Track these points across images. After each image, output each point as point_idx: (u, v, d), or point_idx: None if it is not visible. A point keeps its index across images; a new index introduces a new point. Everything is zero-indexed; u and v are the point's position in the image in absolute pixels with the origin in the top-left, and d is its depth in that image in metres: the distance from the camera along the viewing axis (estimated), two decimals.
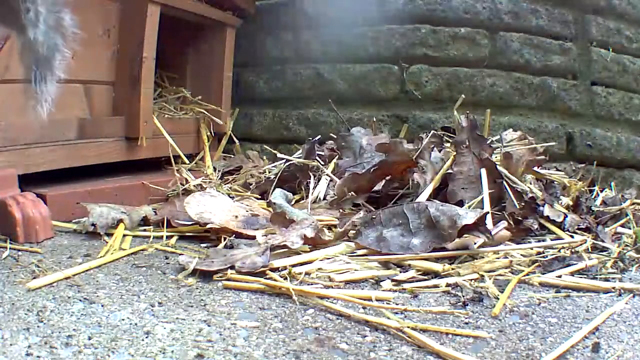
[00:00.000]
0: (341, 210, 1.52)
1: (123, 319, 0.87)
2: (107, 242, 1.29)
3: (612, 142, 2.20)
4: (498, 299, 1.01)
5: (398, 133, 2.12)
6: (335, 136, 1.90)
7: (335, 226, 1.39)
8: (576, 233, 1.41)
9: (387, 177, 1.59)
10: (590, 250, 1.31)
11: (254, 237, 1.29)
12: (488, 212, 1.27)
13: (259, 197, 1.70)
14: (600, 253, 1.31)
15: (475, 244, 1.22)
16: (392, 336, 0.86)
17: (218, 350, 0.78)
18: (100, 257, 1.18)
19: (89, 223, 1.34)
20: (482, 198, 1.39)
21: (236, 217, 1.39)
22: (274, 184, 1.70)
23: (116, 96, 1.70)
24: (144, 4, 1.65)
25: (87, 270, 1.10)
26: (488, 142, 1.54)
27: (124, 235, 1.35)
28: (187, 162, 1.94)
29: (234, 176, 1.95)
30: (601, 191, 1.90)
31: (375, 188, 1.60)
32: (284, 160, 1.81)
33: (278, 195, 1.53)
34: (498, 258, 1.20)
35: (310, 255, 1.17)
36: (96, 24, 1.61)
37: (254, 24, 2.28)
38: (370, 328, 0.89)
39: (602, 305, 1.02)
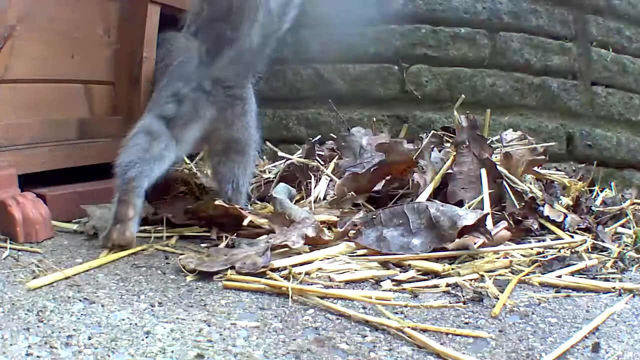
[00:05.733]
0: (341, 210, 1.52)
1: (123, 319, 0.87)
2: None
3: (612, 142, 2.20)
4: (498, 299, 1.01)
5: (398, 133, 2.12)
6: (335, 136, 1.90)
7: (335, 226, 1.39)
8: (576, 233, 1.41)
9: (387, 177, 1.59)
10: (590, 250, 1.31)
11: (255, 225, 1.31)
12: (488, 214, 1.27)
13: (259, 200, 1.69)
14: (600, 253, 1.31)
15: (475, 244, 1.22)
16: (392, 336, 0.86)
17: (218, 350, 0.78)
18: (102, 257, 1.18)
19: (89, 226, 1.34)
20: (482, 198, 1.39)
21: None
22: (275, 184, 1.70)
23: (116, 96, 1.70)
24: (144, 4, 1.65)
25: (87, 271, 1.09)
26: (488, 142, 1.54)
27: None
28: (188, 162, 1.94)
29: None
30: (601, 191, 1.90)
31: (375, 188, 1.59)
32: (283, 160, 1.81)
33: (280, 190, 1.52)
34: (498, 258, 1.20)
35: (311, 255, 1.17)
36: (96, 23, 1.61)
37: None
38: (370, 328, 0.89)
39: (602, 305, 1.02)
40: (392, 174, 1.59)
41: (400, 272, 1.13)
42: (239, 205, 1.41)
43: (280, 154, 1.90)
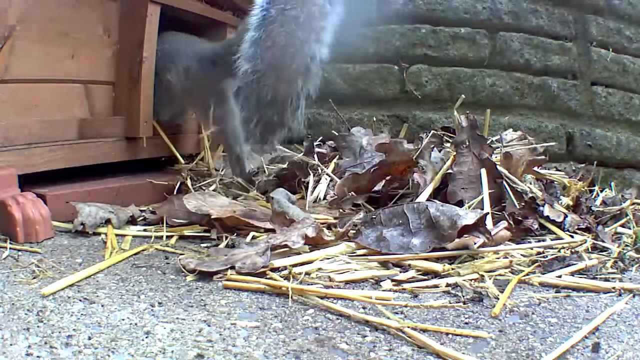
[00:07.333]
0: (341, 210, 1.52)
1: (123, 319, 0.87)
2: (105, 242, 1.29)
3: (612, 142, 2.20)
4: (498, 299, 1.01)
5: (398, 133, 2.13)
6: (335, 135, 1.90)
7: (335, 226, 1.39)
8: (576, 233, 1.41)
9: (387, 177, 1.59)
10: (590, 250, 1.31)
11: (256, 227, 1.32)
12: (488, 213, 1.27)
13: (261, 194, 1.70)
14: (600, 253, 1.31)
15: (475, 243, 1.22)
16: (392, 336, 0.86)
17: (218, 350, 0.78)
18: (107, 259, 1.17)
19: (77, 222, 1.34)
20: (482, 198, 1.39)
21: (234, 212, 1.40)
22: (275, 183, 1.70)
23: (116, 96, 1.70)
24: (144, 4, 1.65)
25: (95, 273, 1.08)
26: (488, 142, 1.54)
27: (124, 236, 1.35)
28: (188, 162, 1.94)
29: None
30: (601, 191, 1.90)
31: (375, 188, 1.60)
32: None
33: (279, 192, 1.52)
34: (498, 258, 1.20)
35: (310, 255, 1.17)
36: (96, 23, 1.61)
37: None
38: (370, 328, 0.89)
39: (602, 305, 1.02)
40: (392, 174, 1.59)
41: (400, 272, 1.13)
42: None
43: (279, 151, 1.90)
